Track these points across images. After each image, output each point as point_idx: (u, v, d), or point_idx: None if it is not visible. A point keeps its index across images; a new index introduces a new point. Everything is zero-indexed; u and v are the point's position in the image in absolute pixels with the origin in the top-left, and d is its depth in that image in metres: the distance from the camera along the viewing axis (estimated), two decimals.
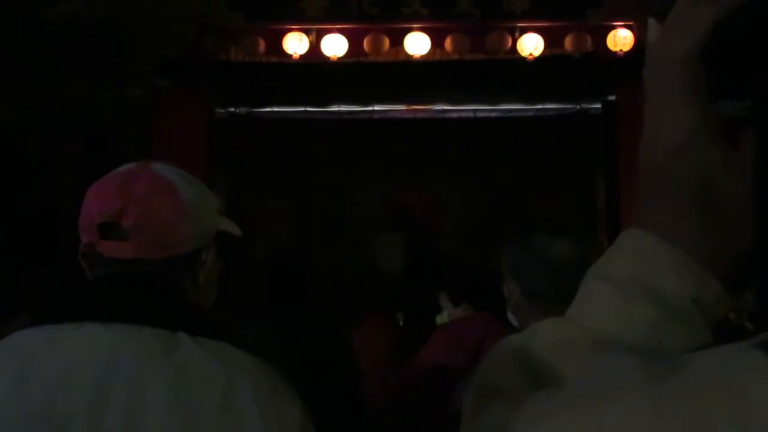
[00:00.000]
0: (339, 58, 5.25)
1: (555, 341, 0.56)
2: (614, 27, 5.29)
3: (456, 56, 5.32)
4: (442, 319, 2.92)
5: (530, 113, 6.33)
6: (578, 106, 6.21)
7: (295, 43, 5.21)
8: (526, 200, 6.16)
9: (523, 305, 1.70)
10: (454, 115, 6.36)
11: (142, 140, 5.05)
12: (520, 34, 5.25)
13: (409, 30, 5.26)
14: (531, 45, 5.23)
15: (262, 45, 5.28)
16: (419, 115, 6.41)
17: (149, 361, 1.07)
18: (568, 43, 5.28)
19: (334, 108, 6.28)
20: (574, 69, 5.41)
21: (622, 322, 0.54)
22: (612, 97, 5.80)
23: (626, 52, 5.23)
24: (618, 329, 0.54)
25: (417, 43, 5.23)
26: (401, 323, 3.64)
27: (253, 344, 1.13)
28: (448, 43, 5.28)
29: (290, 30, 5.23)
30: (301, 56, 5.22)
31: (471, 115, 6.36)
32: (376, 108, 6.27)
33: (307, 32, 5.24)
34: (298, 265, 2.50)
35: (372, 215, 6.09)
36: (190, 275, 1.23)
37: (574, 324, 0.56)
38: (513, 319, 1.77)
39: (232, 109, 6.14)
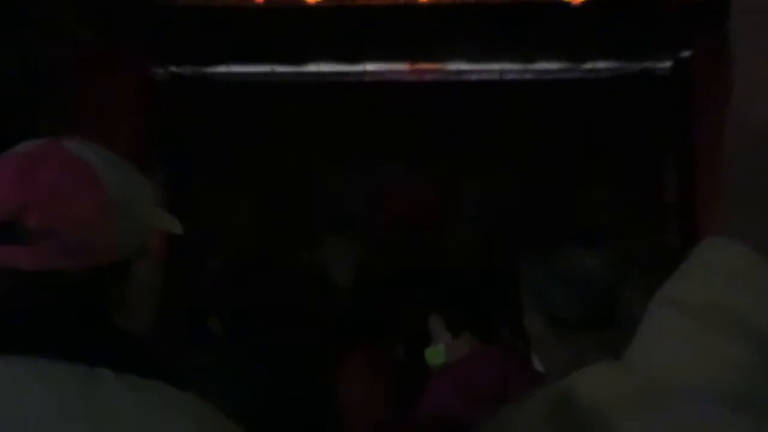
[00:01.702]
0: (318, 1, 5.24)
1: (607, 394, 0.54)
2: None
3: None
4: (435, 354, 2.91)
5: (576, 75, 6.33)
6: (641, 66, 6.21)
7: None
8: (569, 193, 6.16)
9: (548, 339, 1.73)
10: (474, 77, 6.37)
11: (55, 109, 5.04)
12: None
13: None
14: None
15: None
16: (426, 78, 6.41)
17: (61, 405, 1.07)
18: None
19: (312, 68, 6.27)
20: (635, 16, 5.42)
21: (703, 368, 0.52)
22: (686, 53, 5.80)
23: None
24: (697, 378, 0.52)
25: None
26: (401, 357, 3.64)
27: (201, 383, 1.13)
28: None
29: None
30: None
31: (496, 77, 6.36)
32: (369, 68, 6.27)
33: None
34: (265, 277, 2.51)
35: (362, 212, 6.09)
36: (116, 292, 1.23)
37: (633, 370, 0.55)
38: (536, 361, 1.80)
39: (176, 69, 6.14)
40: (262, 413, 1.73)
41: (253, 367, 1.92)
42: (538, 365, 1.82)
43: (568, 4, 5.22)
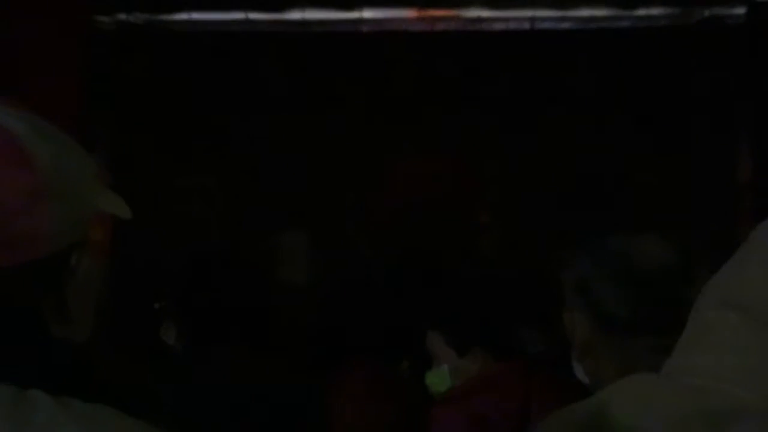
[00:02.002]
0: None
1: (650, 410, 0.55)
2: None
3: None
4: (438, 377, 2.90)
5: (624, 24, 6.33)
6: (706, 12, 6.20)
7: None
8: (619, 169, 6.16)
9: (594, 345, 1.72)
10: (498, 26, 6.35)
11: None
12: None
13: None
14: None
15: None
16: (438, 27, 6.40)
17: None
18: None
19: (295, 15, 6.26)
20: None
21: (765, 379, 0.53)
22: None
23: None
24: (759, 390, 0.52)
25: None
26: (406, 375, 3.65)
27: (157, 408, 1.13)
28: None
29: None
30: None
31: (526, 26, 6.35)
32: (366, 15, 6.26)
33: None
34: (237, 278, 2.52)
35: (360, 197, 6.08)
36: (52, 293, 1.23)
37: (680, 382, 0.56)
38: (579, 370, 1.79)
39: (124, 16, 6.13)
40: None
41: (221, 390, 1.92)
42: (581, 375, 1.81)
43: None
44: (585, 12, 6.27)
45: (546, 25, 6.32)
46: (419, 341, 3.05)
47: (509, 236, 6.07)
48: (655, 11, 6.28)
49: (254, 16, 6.24)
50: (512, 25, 6.33)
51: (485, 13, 6.27)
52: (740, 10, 6.06)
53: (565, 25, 6.31)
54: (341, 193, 6.24)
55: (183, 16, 6.22)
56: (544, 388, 2.62)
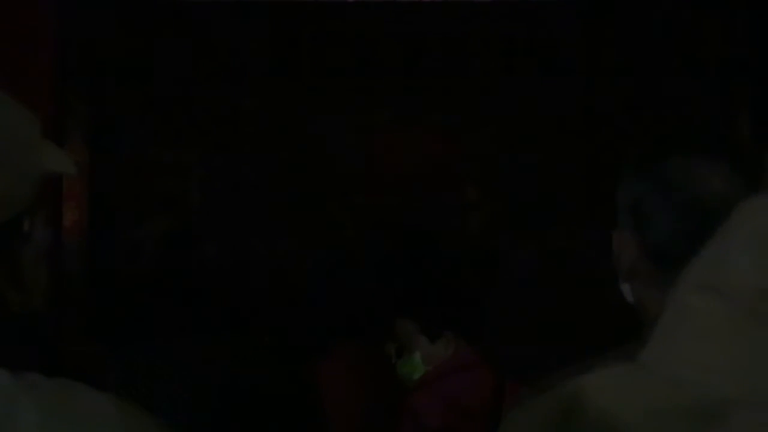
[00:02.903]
0: None
1: (625, 404, 0.53)
2: None
3: None
4: (410, 365, 2.91)
5: None
6: None
7: None
8: (609, 146, 6.17)
9: (641, 269, 1.67)
10: None
11: None
12: None
13: None
14: None
15: None
16: None
17: None
18: None
19: None
20: None
21: (756, 376, 0.51)
22: None
23: None
24: (746, 388, 0.51)
25: None
26: (392, 357, 3.65)
27: (128, 383, 1.13)
28: None
29: None
30: None
31: None
32: None
33: None
34: (214, 259, 2.52)
35: (341, 173, 6.07)
36: (4, 262, 1.22)
37: (659, 374, 0.54)
38: (627, 291, 1.74)
39: None
40: (209, 423, 1.74)
41: (199, 366, 1.92)
42: (627, 295, 1.75)
43: None
44: None
45: None
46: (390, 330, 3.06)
47: (498, 214, 6.08)
48: None
49: None
50: None
51: None
52: None
53: None
54: (323, 170, 6.24)
55: None
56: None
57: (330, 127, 6.17)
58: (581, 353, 1.81)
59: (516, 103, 6.15)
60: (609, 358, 1.54)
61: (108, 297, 2.70)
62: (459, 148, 6.20)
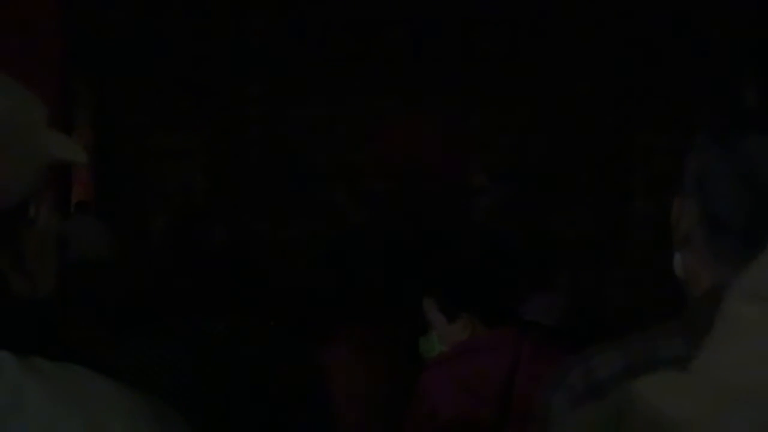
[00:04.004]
0: None
1: (676, 409, 0.54)
2: None
3: None
4: (428, 343, 2.93)
5: None
6: None
7: None
8: (616, 132, 6.15)
9: (696, 236, 1.65)
10: None
11: None
12: None
13: None
14: None
15: None
16: None
17: None
18: None
19: None
20: None
21: None
22: None
23: None
24: None
25: None
26: (405, 337, 3.64)
27: (134, 369, 1.13)
28: None
29: None
30: None
31: None
32: None
33: None
34: (221, 242, 2.51)
35: (347, 158, 6.07)
36: (11, 248, 1.21)
37: (707, 382, 0.54)
38: (678, 262, 1.72)
39: None
40: (219, 405, 1.74)
41: (205, 350, 1.92)
42: (678, 269, 1.73)
43: None
44: None
45: None
46: (415, 307, 3.06)
47: (506, 199, 6.07)
48: None
49: None
50: None
51: None
52: None
53: None
54: (331, 153, 6.23)
55: None
56: (532, 356, 2.62)
57: (336, 111, 6.16)
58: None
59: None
60: (648, 336, 1.55)
61: (115, 281, 2.70)
62: (465, 134, 6.19)
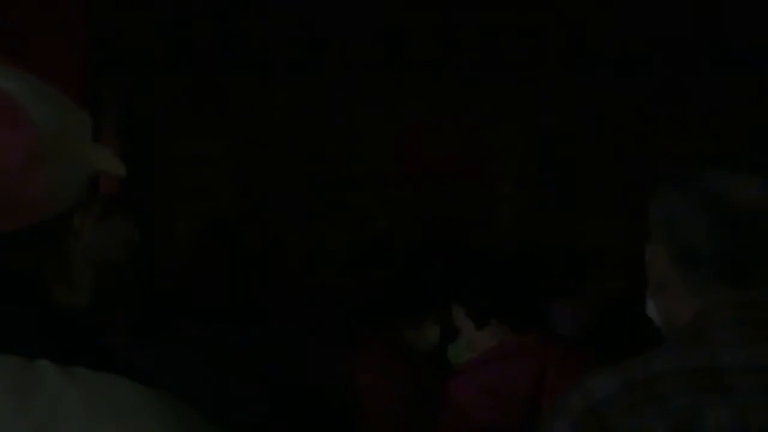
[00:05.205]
0: None
1: None
2: None
3: None
4: (457, 350, 2.95)
5: None
6: None
7: None
8: (644, 141, 6.14)
9: (671, 279, 1.70)
10: None
11: None
12: None
13: None
14: None
15: None
16: None
17: None
18: None
19: None
20: None
21: None
22: None
23: None
24: None
25: None
26: (435, 340, 3.65)
27: (170, 378, 1.13)
28: None
29: None
30: None
31: None
32: None
33: None
34: (248, 249, 2.52)
35: (375, 163, 6.07)
36: (52, 258, 1.22)
37: None
38: (652, 307, 1.77)
39: None
40: (252, 414, 1.75)
41: (235, 358, 1.93)
42: (652, 314, 1.79)
43: None
44: None
45: None
46: (443, 313, 3.07)
47: (531, 207, 6.06)
48: None
49: None
50: None
51: None
52: None
53: None
54: (358, 160, 6.24)
55: None
56: (559, 362, 2.64)
57: (362, 118, 6.17)
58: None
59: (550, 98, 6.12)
60: (644, 356, 1.59)
61: (146, 289, 2.71)
62: (489, 142, 6.19)
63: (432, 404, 2.80)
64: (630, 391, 1.55)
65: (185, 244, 2.76)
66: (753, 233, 1.63)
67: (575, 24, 6.17)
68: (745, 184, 1.67)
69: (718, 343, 1.59)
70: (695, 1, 6.10)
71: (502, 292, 2.83)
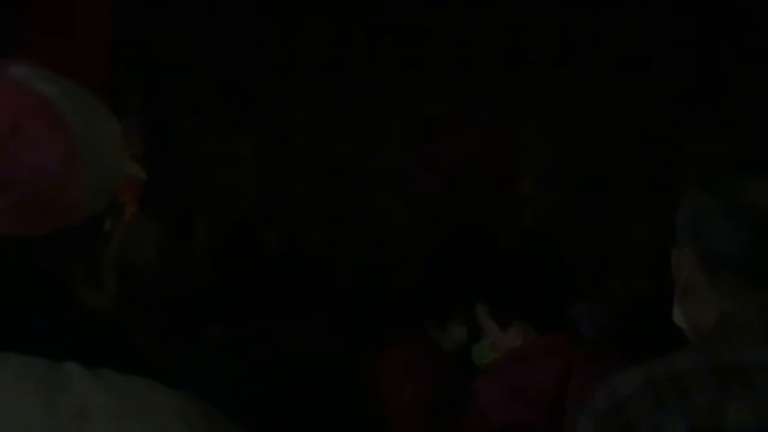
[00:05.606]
0: None
1: None
2: None
3: None
4: (482, 350, 2.95)
5: None
6: None
7: None
8: (667, 140, 6.12)
9: (699, 283, 1.72)
10: None
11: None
12: None
13: None
14: None
15: None
16: None
17: (14, 414, 1.08)
18: None
19: None
20: None
21: None
22: None
23: None
24: None
25: None
26: (464, 338, 3.65)
27: (193, 380, 1.13)
28: None
29: None
30: None
31: None
32: None
33: None
34: (270, 250, 2.52)
35: (396, 165, 6.07)
36: (83, 261, 1.23)
37: None
38: (678, 313, 1.79)
39: None
40: (277, 415, 1.75)
41: (261, 362, 1.93)
42: (678, 319, 1.80)
43: None
44: None
45: None
46: (468, 314, 3.08)
47: (554, 206, 6.04)
48: None
49: None
50: None
51: None
52: None
53: None
54: (380, 159, 6.24)
55: None
56: (584, 362, 2.64)
57: (385, 119, 6.17)
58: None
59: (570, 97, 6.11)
60: (651, 365, 1.62)
61: (171, 291, 2.72)
62: (512, 141, 6.18)
63: (456, 405, 2.80)
64: (654, 387, 1.57)
65: (208, 244, 2.77)
66: None
67: (598, 23, 6.16)
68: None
69: (743, 342, 1.60)
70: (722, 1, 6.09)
71: (526, 291, 2.83)
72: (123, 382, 1.11)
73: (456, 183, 5.68)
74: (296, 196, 6.07)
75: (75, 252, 1.22)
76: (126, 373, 1.12)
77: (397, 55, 6.20)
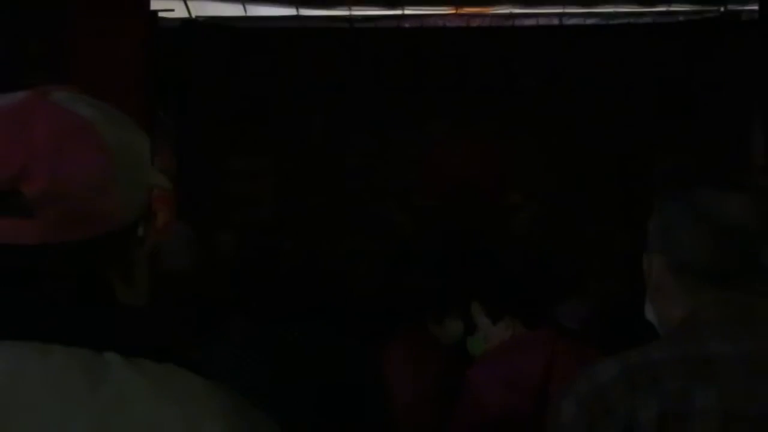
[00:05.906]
0: None
1: None
2: None
3: None
4: (476, 343, 2.96)
5: (647, 20, 6.27)
6: (721, 9, 6.13)
7: None
8: (639, 159, 6.10)
9: (667, 284, 1.76)
10: (529, 21, 6.31)
11: (40, 56, 5.02)
12: None
13: None
14: None
15: None
16: (474, 23, 6.36)
17: (62, 397, 1.08)
18: None
19: (342, 11, 6.25)
20: None
21: None
22: None
23: None
24: None
25: None
26: (461, 332, 3.64)
27: (222, 371, 1.13)
28: None
29: None
30: None
31: (555, 22, 6.30)
32: (408, 12, 6.23)
33: None
34: (286, 256, 2.52)
35: (400, 178, 6.06)
36: (119, 263, 1.23)
37: None
38: (650, 309, 1.81)
39: (186, 15, 6.12)
40: (299, 407, 1.74)
41: (284, 356, 1.92)
42: (650, 315, 1.84)
43: None
44: (609, 8, 6.24)
45: (573, 21, 6.29)
46: (464, 310, 3.08)
47: (541, 215, 6.04)
48: (674, 7, 6.24)
49: (304, 11, 6.23)
50: (542, 21, 6.30)
51: (516, 10, 6.24)
52: (754, 6, 5.98)
53: (591, 21, 6.27)
54: (386, 174, 6.23)
55: (239, 10, 6.21)
56: (566, 354, 2.65)
57: (388, 136, 6.18)
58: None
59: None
60: (626, 355, 1.64)
61: (202, 292, 2.72)
62: (504, 156, 6.18)
63: (454, 391, 2.81)
64: (629, 375, 1.60)
65: (232, 250, 2.77)
66: (736, 244, 1.68)
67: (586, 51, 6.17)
68: (733, 201, 1.72)
69: (707, 335, 1.63)
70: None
71: (515, 290, 2.85)
72: (159, 370, 1.12)
73: (455, 195, 5.66)
74: (309, 206, 6.07)
75: (112, 254, 1.23)
76: (160, 360, 1.13)
77: (400, 81, 6.20)
